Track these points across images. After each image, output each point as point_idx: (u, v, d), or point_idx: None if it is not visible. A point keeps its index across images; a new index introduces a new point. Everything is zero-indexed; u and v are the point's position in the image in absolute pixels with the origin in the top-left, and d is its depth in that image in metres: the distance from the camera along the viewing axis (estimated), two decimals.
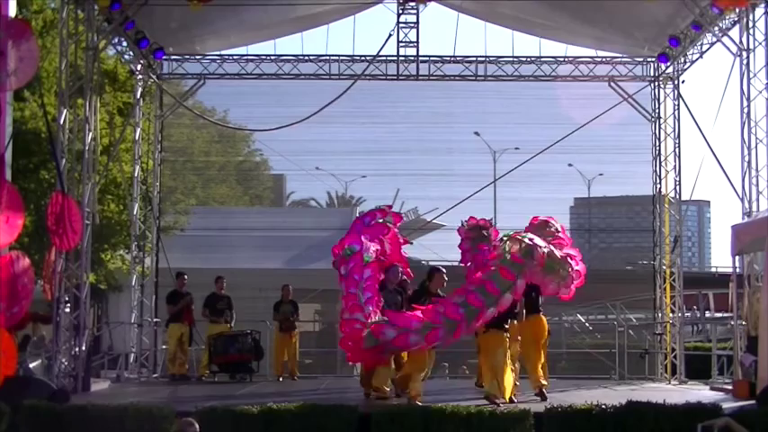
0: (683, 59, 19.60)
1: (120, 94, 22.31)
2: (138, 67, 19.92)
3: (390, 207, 15.05)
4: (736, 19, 16.58)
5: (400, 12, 18.82)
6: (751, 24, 16.18)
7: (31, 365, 15.01)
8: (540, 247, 12.75)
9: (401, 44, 19.18)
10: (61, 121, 15.87)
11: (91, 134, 16.31)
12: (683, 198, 20.09)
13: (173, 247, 21.24)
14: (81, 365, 15.27)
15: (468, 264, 14.02)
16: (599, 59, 20.44)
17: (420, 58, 19.92)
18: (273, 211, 38.51)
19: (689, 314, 27.70)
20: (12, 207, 13.08)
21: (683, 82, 19.93)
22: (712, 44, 18.13)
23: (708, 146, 17.74)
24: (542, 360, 14.32)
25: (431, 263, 24.08)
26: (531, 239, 12.82)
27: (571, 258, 13.18)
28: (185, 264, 19.86)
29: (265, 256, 27.80)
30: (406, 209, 37.52)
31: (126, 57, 20.10)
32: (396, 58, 19.78)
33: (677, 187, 20.06)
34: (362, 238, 13.63)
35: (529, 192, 27.24)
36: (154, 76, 20.25)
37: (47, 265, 15.34)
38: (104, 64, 20.45)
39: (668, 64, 19.81)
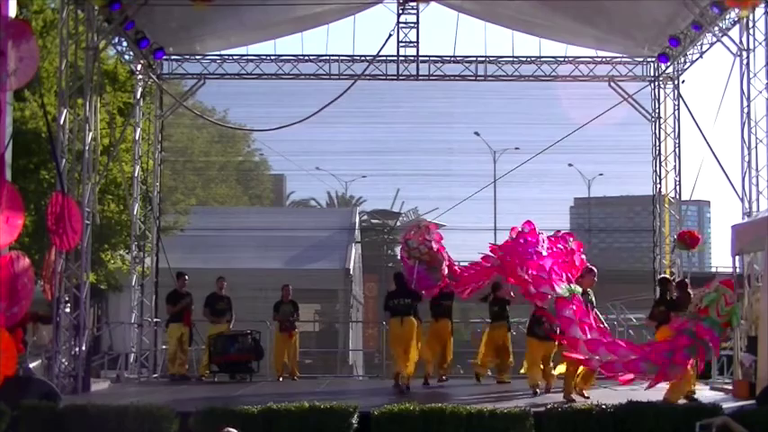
0: (683, 59, 19.60)
1: (120, 94, 22.29)
2: (138, 67, 19.91)
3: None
4: (736, 19, 16.57)
5: (400, 12, 18.82)
6: (751, 24, 16.17)
7: (31, 365, 14.99)
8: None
9: (401, 44, 19.18)
10: (61, 121, 15.86)
11: (91, 134, 16.30)
12: (683, 198, 20.10)
13: (173, 247, 21.23)
14: (81, 365, 15.27)
15: None
16: (599, 59, 20.44)
17: (420, 58, 19.92)
18: (273, 211, 38.55)
19: None
20: (12, 207, 13.07)
21: (683, 82, 19.97)
22: (712, 44, 18.13)
23: (708, 146, 17.77)
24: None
25: None
26: None
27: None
28: (185, 264, 19.87)
29: (265, 256, 27.85)
30: (406, 209, 37.74)
31: (126, 57, 20.11)
32: (396, 58, 19.78)
33: (677, 187, 20.07)
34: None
35: (529, 192, 27.28)
36: (154, 76, 20.25)
37: (47, 265, 15.32)
38: (104, 64, 20.45)
39: (668, 64, 19.81)
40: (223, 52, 20.76)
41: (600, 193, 37.86)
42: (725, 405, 11.75)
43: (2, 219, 12.85)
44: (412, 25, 19.06)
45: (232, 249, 27.52)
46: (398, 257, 20.72)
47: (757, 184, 15.96)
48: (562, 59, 20.53)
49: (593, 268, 14.95)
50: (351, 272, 29.77)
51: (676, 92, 20.05)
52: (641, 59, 20.37)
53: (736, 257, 15.48)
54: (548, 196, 28.33)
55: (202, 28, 18.92)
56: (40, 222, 18.38)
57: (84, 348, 15.44)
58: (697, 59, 19.19)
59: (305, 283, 23.71)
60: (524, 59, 20.38)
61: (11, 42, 13.26)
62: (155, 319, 20.00)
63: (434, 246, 16.10)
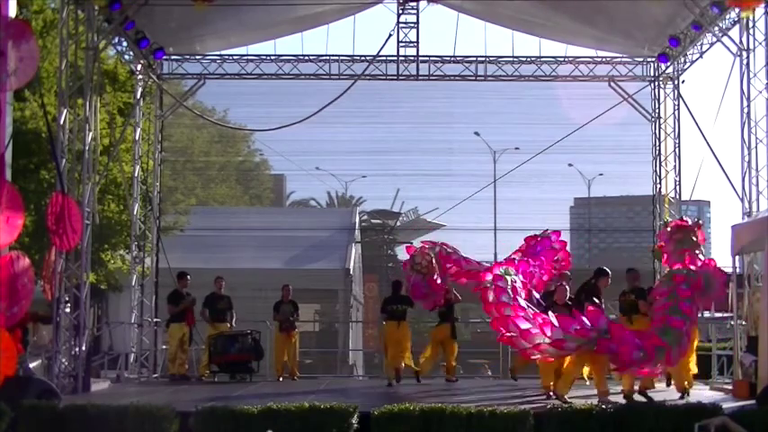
0: (683, 59, 19.61)
1: (120, 94, 22.30)
2: (138, 67, 19.91)
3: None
4: (736, 19, 16.58)
5: (400, 12, 18.82)
6: (751, 24, 16.17)
7: (31, 365, 14.99)
8: None
9: (401, 44, 19.18)
10: (61, 121, 15.86)
11: (91, 134, 16.30)
12: (683, 198, 20.10)
13: (173, 247, 21.23)
14: (81, 365, 15.27)
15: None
16: (599, 59, 20.43)
17: (420, 58, 19.92)
18: (273, 211, 38.61)
19: None
20: (12, 207, 13.07)
21: (683, 82, 19.97)
22: (712, 44, 18.13)
23: (708, 146, 17.77)
24: None
25: None
26: None
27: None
28: (185, 264, 19.85)
29: (265, 256, 27.87)
30: (406, 209, 37.79)
31: (126, 57, 20.10)
32: (396, 58, 19.78)
33: (677, 187, 20.08)
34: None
35: (529, 192, 27.31)
36: (154, 76, 20.25)
37: (47, 265, 15.32)
38: (104, 64, 20.45)
39: (668, 64, 19.82)
40: (223, 52, 20.77)
41: (600, 193, 37.88)
42: (725, 405, 11.74)
43: (2, 219, 12.85)
44: (412, 25, 19.06)
45: (232, 249, 27.53)
46: (401, 261, 21.26)
47: (757, 184, 15.96)
48: (562, 59, 20.53)
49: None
50: (351, 272, 29.80)
51: (676, 92, 20.05)
52: (641, 59, 20.37)
53: (736, 257, 15.51)
54: (548, 196, 28.36)
55: (202, 28, 18.92)
56: (40, 222, 18.38)
57: (84, 348, 15.44)
58: (697, 59, 19.19)
59: (305, 283, 23.73)
60: (524, 59, 20.37)
61: (11, 42, 13.25)
62: (155, 319, 19.99)
63: (434, 260, 16.54)
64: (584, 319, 12.79)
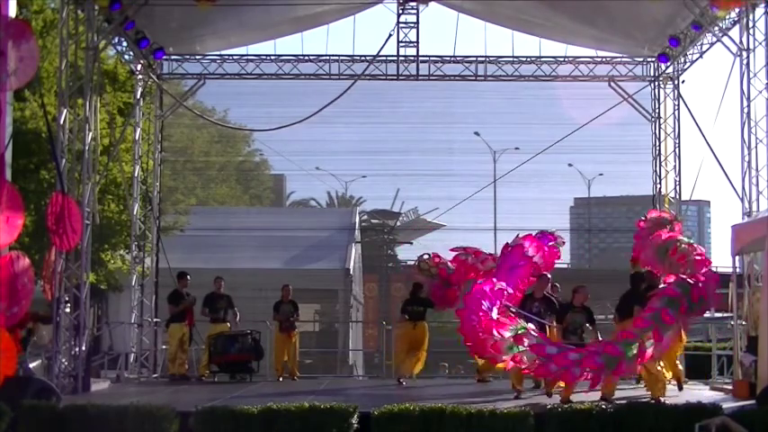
0: (683, 59, 19.60)
1: (120, 94, 22.30)
2: (138, 67, 19.91)
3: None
4: (736, 19, 16.58)
5: (400, 12, 18.82)
6: (751, 24, 16.17)
7: (31, 365, 14.99)
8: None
9: (401, 44, 19.17)
10: (61, 121, 15.86)
11: (91, 134, 16.30)
12: (683, 198, 20.10)
13: (173, 247, 21.24)
14: (81, 365, 15.27)
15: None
16: (599, 59, 20.42)
17: (420, 58, 19.90)
18: (273, 211, 38.65)
19: None
20: (12, 207, 13.08)
21: (683, 82, 19.95)
22: (712, 44, 18.13)
23: (708, 146, 17.77)
24: None
25: None
26: None
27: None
28: (185, 264, 19.86)
29: (265, 256, 27.89)
30: (406, 209, 37.84)
31: (126, 57, 20.10)
32: (396, 58, 19.76)
33: (677, 187, 20.07)
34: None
35: (529, 192, 27.37)
36: (154, 76, 20.25)
37: (47, 265, 15.32)
38: (104, 64, 20.46)
39: (668, 64, 19.81)
40: (223, 52, 20.76)
41: (600, 193, 37.98)
42: (725, 405, 11.75)
43: (2, 219, 12.86)
44: (412, 25, 19.05)
45: (232, 249, 27.55)
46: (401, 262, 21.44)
47: (757, 184, 15.96)
48: (562, 59, 20.51)
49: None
50: (351, 272, 29.82)
51: (676, 92, 20.04)
52: (641, 59, 20.36)
53: (736, 257, 15.51)
54: (548, 196, 28.43)
55: (203, 28, 18.92)
56: (40, 222, 18.37)
57: (84, 348, 15.44)
58: (697, 59, 19.18)
59: (305, 283, 23.74)
60: (524, 59, 20.35)
61: (11, 42, 13.27)
62: (155, 319, 19.99)
63: (450, 265, 17.13)
64: (658, 299, 13.23)
